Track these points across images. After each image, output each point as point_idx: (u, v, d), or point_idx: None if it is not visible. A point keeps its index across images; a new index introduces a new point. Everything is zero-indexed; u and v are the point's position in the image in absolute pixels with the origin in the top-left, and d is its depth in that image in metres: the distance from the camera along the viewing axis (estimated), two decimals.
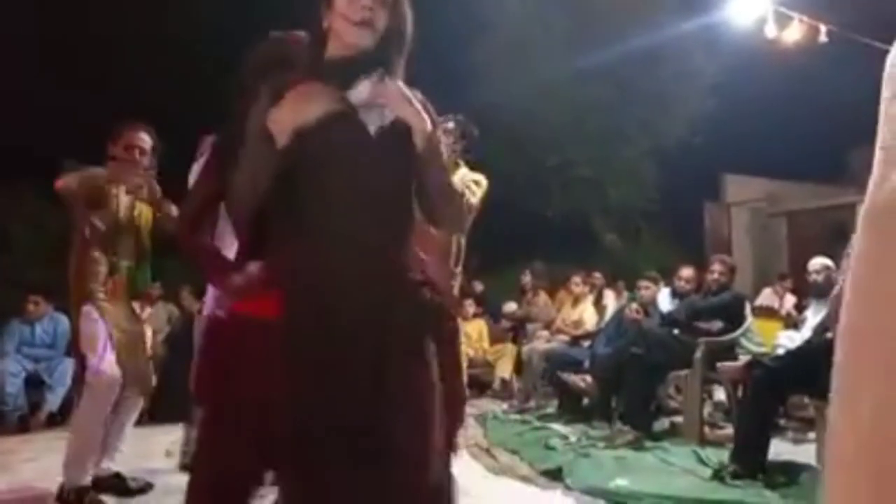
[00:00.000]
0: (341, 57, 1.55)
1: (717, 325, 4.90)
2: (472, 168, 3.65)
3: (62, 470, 3.26)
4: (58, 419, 5.68)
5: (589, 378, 5.27)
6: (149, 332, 5.86)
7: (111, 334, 3.31)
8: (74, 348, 3.46)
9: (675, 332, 4.96)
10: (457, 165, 3.55)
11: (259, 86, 1.59)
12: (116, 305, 3.42)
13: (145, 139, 3.47)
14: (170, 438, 4.58)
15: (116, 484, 3.44)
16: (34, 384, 5.73)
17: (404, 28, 1.56)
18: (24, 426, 5.52)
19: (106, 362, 3.26)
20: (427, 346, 1.53)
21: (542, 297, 8.43)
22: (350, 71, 1.55)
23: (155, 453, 4.28)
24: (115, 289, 3.41)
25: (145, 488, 3.50)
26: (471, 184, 3.50)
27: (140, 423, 4.46)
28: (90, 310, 3.32)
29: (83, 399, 3.32)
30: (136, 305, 3.69)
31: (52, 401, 5.70)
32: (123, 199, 3.45)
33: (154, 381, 3.80)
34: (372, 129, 1.54)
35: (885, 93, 0.96)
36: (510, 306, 8.28)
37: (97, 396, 3.28)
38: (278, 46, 1.91)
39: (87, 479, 3.28)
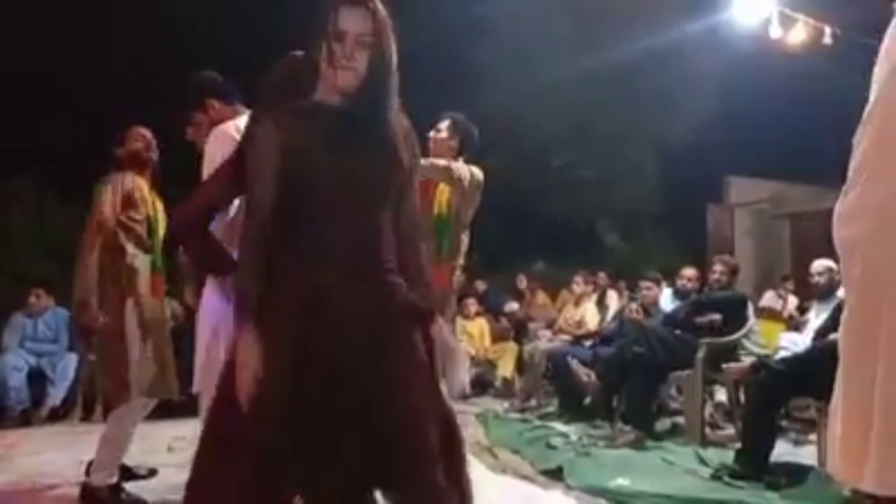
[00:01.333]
0: (328, 95, 1.66)
1: (717, 317, 4.89)
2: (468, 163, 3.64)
3: (93, 473, 3.23)
4: (60, 413, 5.70)
5: (593, 374, 5.27)
6: None
7: (154, 334, 3.34)
8: (112, 344, 3.35)
9: (677, 331, 4.95)
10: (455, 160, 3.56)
11: (274, 103, 1.73)
12: (155, 303, 3.42)
13: (147, 133, 3.54)
14: (172, 434, 4.60)
15: (125, 476, 3.47)
16: (36, 379, 5.74)
17: (387, 65, 1.63)
18: (26, 420, 5.53)
19: (142, 366, 3.28)
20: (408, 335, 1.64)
21: (541, 297, 8.45)
22: (334, 108, 1.64)
23: (157, 449, 4.28)
24: (155, 287, 3.43)
25: (151, 474, 3.59)
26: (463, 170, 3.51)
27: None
28: (132, 308, 3.31)
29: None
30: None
31: (55, 395, 5.72)
32: (149, 197, 3.49)
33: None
34: (357, 142, 1.62)
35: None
36: (511, 305, 8.29)
37: (133, 403, 3.29)
38: (295, 65, 1.98)
39: (115, 478, 3.29)
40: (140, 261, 3.37)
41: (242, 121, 2.41)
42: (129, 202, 3.38)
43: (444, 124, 3.59)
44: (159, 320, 3.43)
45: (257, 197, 1.63)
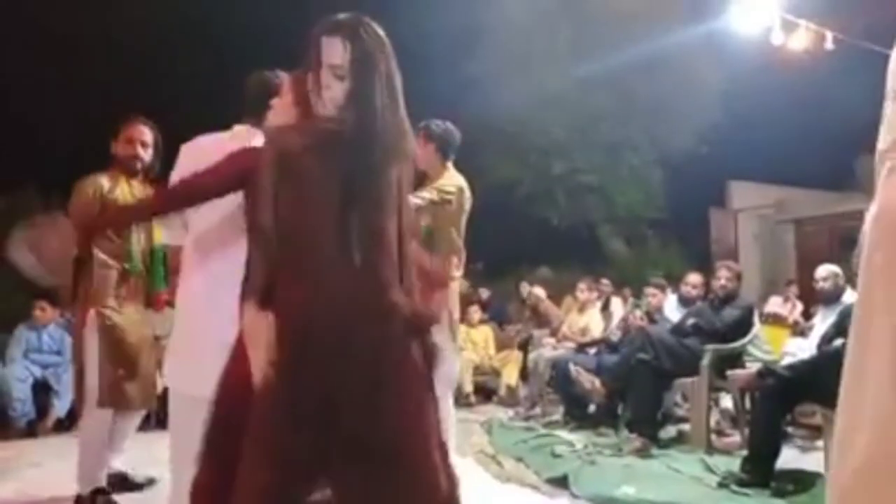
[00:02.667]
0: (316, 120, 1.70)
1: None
2: (458, 169, 3.57)
3: (77, 481, 3.28)
4: (65, 424, 5.69)
5: (598, 382, 5.26)
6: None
7: (114, 344, 3.29)
8: (76, 355, 3.43)
9: (683, 338, 4.93)
10: (444, 167, 3.50)
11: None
12: (127, 312, 3.38)
13: (145, 132, 3.44)
14: None
15: (122, 482, 3.50)
16: (42, 390, 5.74)
17: (367, 95, 1.64)
18: (31, 431, 5.53)
19: (96, 373, 3.26)
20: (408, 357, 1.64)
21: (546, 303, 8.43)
22: (323, 132, 1.67)
23: (161, 459, 4.26)
24: (127, 295, 3.38)
25: (149, 483, 3.58)
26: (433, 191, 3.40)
27: (146, 428, 4.47)
28: (94, 318, 3.27)
29: (85, 411, 3.34)
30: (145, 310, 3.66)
31: (60, 406, 5.71)
32: (131, 198, 3.37)
33: (158, 390, 3.80)
34: (353, 161, 1.64)
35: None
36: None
37: (96, 409, 3.29)
38: (268, 82, 2.17)
39: (101, 482, 3.32)
40: (109, 269, 3.32)
41: (229, 133, 2.43)
42: (104, 206, 3.29)
43: (419, 137, 3.41)
44: (128, 330, 3.36)
45: (260, 220, 1.64)
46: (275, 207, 1.63)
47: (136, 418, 3.62)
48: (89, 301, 3.28)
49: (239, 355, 1.81)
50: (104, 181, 3.34)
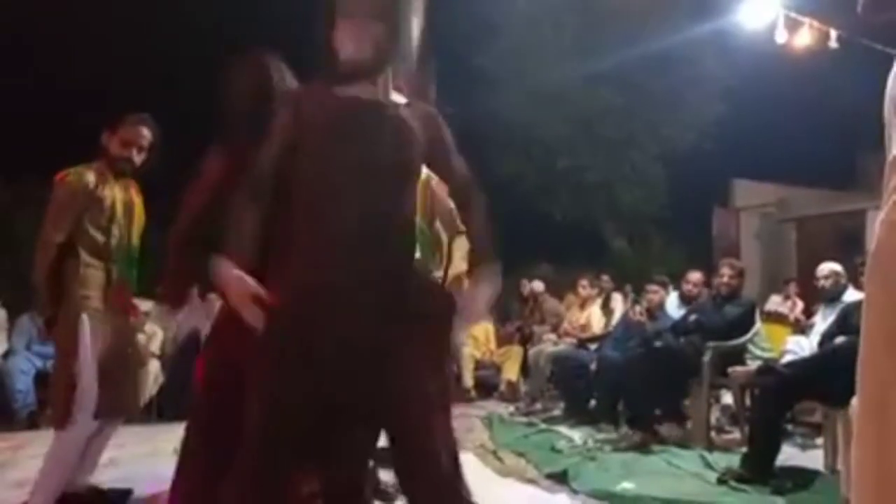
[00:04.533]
0: (345, 66, 1.69)
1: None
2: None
3: (31, 496, 2.99)
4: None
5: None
6: (159, 333, 5.89)
7: (100, 351, 3.02)
8: (62, 363, 3.07)
9: (682, 337, 4.93)
10: None
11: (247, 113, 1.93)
12: (111, 317, 3.11)
13: (145, 135, 3.21)
14: (177, 436, 4.59)
15: (93, 497, 3.25)
16: (43, 381, 5.75)
17: (399, 37, 1.67)
18: (33, 423, 5.54)
19: (91, 383, 2.98)
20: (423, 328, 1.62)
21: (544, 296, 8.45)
22: (353, 77, 1.68)
23: (162, 452, 4.29)
24: (114, 299, 3.12)
25: (123, 497, 3.29)
26: None
27: (147, 421, 4.48)
28: (84, 322, 3.01)
29: (70, 421, 3.01)
30: (148, 304, 3.59)
31: None
32: (119, 195, 3.18)
33: (145, 397, 3.69)
34: (375, 129, 1.64)
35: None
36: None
37: (78, 420, 2.99)
38: (257, 72, 2.14)
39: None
40: (94, 270, 3.07)
41: None
42: (90, 201, 3.06)
43: None
44: (115, 334, 3.09)
45: (260, 156, 1.64)
46: (289, 176, 1.62)
47: (113, 431, 3.33)
48: (79, 306, 3.03)
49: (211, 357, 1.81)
50: (90, 177, 3.09)
